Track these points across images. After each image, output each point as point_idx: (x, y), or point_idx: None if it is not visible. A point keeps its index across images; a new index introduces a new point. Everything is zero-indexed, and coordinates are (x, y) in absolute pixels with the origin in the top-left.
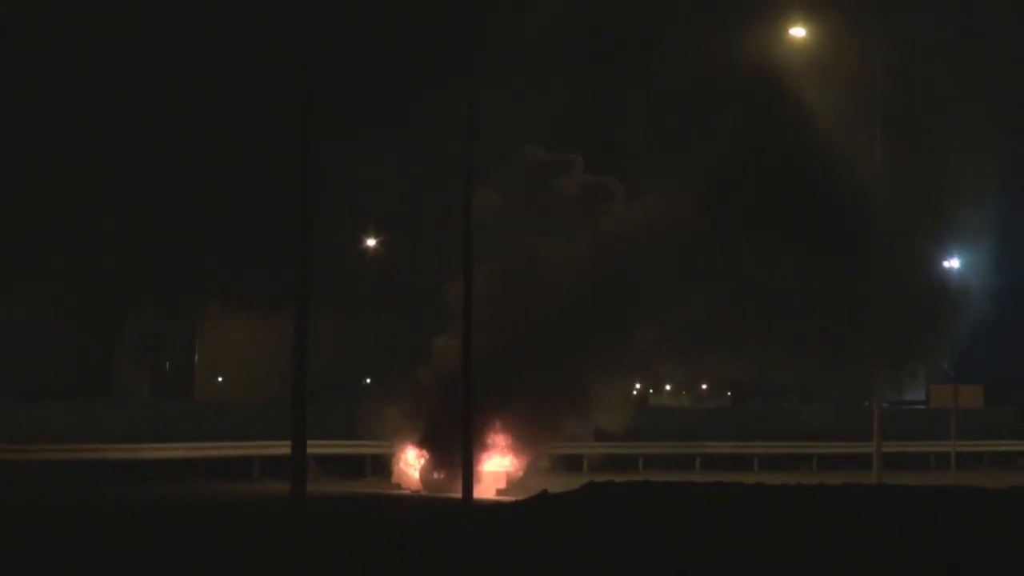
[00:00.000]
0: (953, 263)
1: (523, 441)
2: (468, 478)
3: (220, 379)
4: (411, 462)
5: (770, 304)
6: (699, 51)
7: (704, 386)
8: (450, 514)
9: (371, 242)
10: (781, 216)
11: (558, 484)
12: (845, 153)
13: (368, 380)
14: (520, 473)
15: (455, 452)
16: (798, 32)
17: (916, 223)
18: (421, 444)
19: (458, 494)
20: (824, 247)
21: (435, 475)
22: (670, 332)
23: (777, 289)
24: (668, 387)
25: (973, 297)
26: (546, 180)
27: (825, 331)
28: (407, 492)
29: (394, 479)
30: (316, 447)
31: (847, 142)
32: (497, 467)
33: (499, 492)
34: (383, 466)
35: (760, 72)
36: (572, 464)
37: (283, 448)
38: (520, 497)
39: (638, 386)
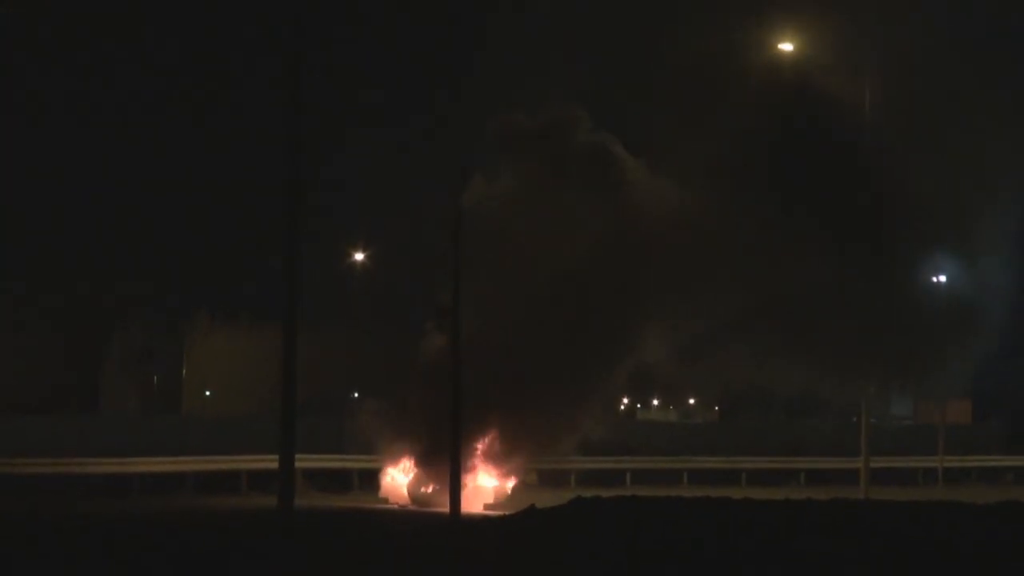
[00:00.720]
0: (941, 278)
1: (512, 455)
2: (456, 492)
3: (208, 392)
4: (399, 476)
5: (780, 304)
6: (700, 51)
7: (692, 401)
8: (438, 529)
9: (360, 256)
10: (791, 209)
11: (546, 499)
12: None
13: (356, 394)
14: (508, 488)
15: (443, 466)
16: (786, 47)
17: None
18: (409, 458)
19: (446, 508)
20: (838, 244)
21: (423, 489)
22: (673, 331)
23: (788, 289)
24: (656, 402)
25: (982, 314)
26: (547, 150)
27: (831, 338)
28: (395, 506)
29: (382, 493)
30: (304, 461)
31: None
32: (485, 482)
33: (487, 507)
34: (371, 480)
35: (761, 73)
36: (559, 479)
37: (271, 462)
38: (508, 512)
39: (626, 400)
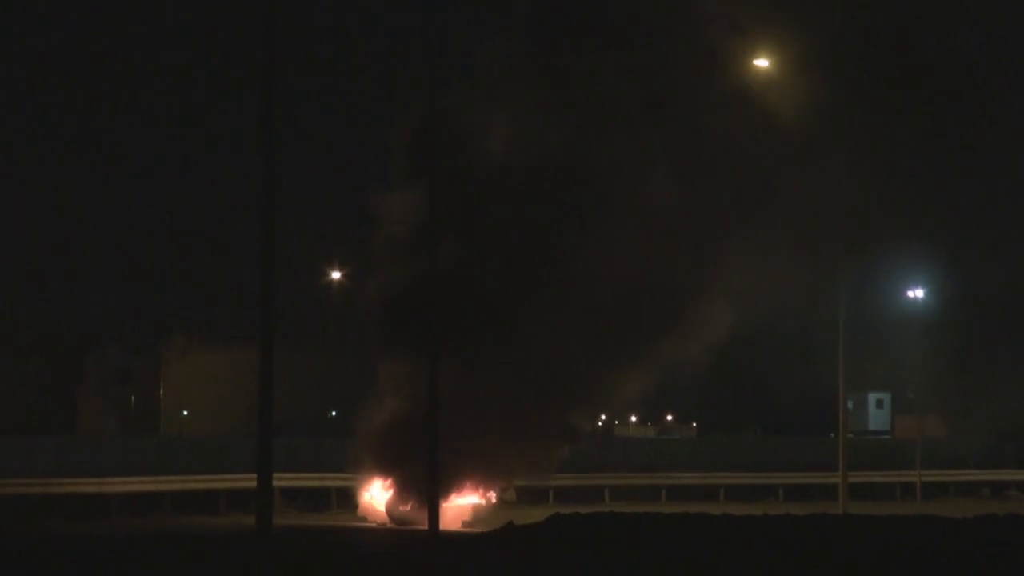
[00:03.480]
0: (918, 293)
1: (490, 472)
2: (434, 510)
3: (186, 413)
4: (377, 495)
5: None
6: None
7: (669, 417)
8: (417, 546)
9: (336, 274)
10: None
11: (524, 516)
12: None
13: (334, 413)
14: (486, 505)
15: (421, 484)
16: (762, 63)
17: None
18: (386, 476)
19: (424, 526)
20: None
21: (401, 507)
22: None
23: None
24: (633, 418)
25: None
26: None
27: None
28: (373, 524)
29: (360, 511)
30: (282, 480)
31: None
32: (463, 499)
33: (465, 524)
34: (348, 498)
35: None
36: (538, 496)
37: (249, 481)
38: (486, 529)
39: (603, 417)
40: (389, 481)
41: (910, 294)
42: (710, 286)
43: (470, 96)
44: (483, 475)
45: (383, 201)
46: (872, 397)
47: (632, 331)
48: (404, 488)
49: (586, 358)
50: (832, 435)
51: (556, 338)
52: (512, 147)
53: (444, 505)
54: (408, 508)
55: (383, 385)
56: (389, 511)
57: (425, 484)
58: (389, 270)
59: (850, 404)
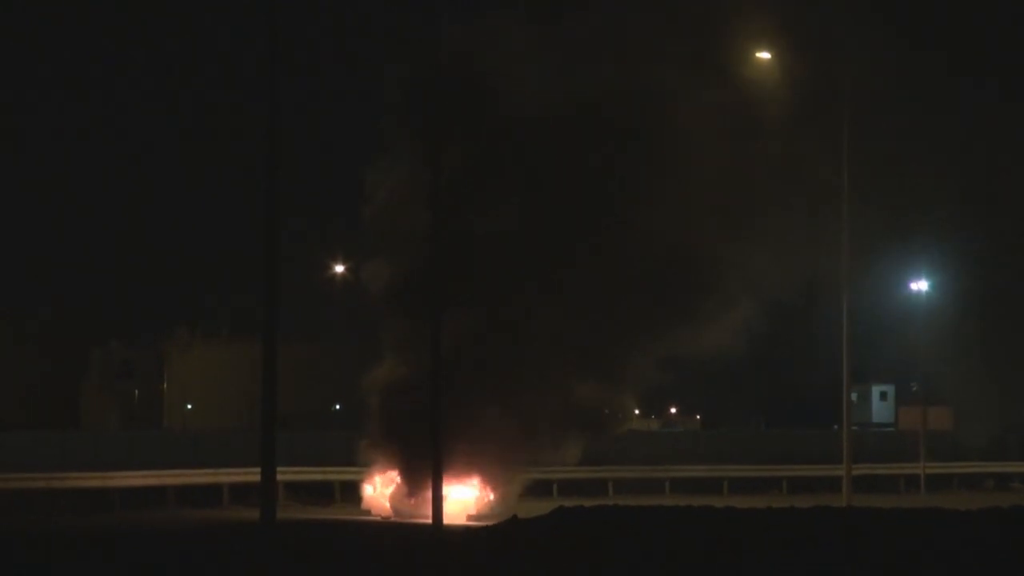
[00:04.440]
0: (921, 285)
1: (494, 465)
2: (438, 503)
3: (189, 406)
4: (381, 488)
5: None
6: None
7: (673, 410)
8: (421, 540)
9: (340, 268)
10: None
11: (528, 509)
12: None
13: (338, 406)
14: (490, 498)
15: (425, 477)
16: (764, 55)
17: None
18: (391, 470)
19: (428, 519)
20: None
21: (405, 501)
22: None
23: None
24: (636, 411)
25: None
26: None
27: None
28: (377, 518)
29: (364, 505)
30: (285, 473)
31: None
32: (467, 492)
33: (470, 517)
34: (352, 492)
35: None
36: (542, 489)
37: (253, 475)
38: (490, 522)
39: (606, 411)
40: (393, 474)
41: (913, 286)
42: (732, 269)
43: (483, 45)
44: (490, 466)
45: (386, 176)
46: (876, 390)
47: (654, 314)
48: (408, 481)
49: (602, 337)
50: (836, 427)
51: (571, 315)
52: (535, 100)
53: (448, 499)
54: (412, 501)
55: (387, 371)
56: (393, 504)
57: (430, 478)
58: (396, 245)
59: (854, 396)
